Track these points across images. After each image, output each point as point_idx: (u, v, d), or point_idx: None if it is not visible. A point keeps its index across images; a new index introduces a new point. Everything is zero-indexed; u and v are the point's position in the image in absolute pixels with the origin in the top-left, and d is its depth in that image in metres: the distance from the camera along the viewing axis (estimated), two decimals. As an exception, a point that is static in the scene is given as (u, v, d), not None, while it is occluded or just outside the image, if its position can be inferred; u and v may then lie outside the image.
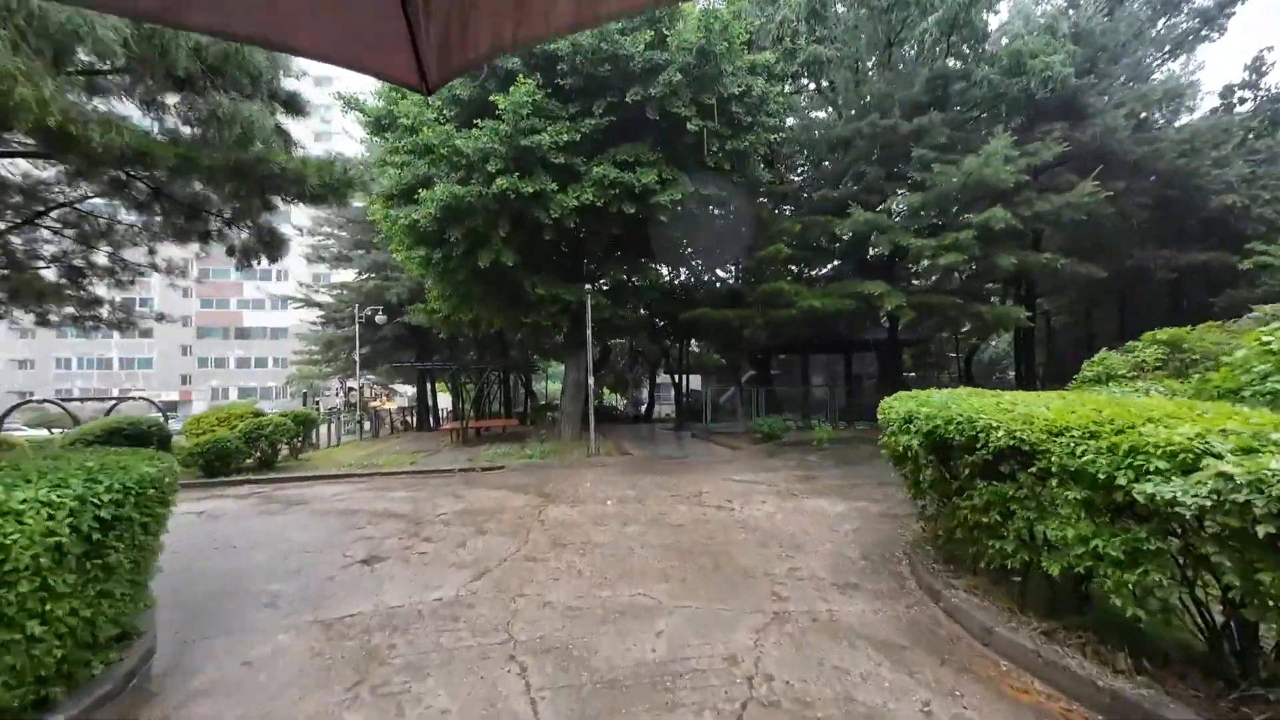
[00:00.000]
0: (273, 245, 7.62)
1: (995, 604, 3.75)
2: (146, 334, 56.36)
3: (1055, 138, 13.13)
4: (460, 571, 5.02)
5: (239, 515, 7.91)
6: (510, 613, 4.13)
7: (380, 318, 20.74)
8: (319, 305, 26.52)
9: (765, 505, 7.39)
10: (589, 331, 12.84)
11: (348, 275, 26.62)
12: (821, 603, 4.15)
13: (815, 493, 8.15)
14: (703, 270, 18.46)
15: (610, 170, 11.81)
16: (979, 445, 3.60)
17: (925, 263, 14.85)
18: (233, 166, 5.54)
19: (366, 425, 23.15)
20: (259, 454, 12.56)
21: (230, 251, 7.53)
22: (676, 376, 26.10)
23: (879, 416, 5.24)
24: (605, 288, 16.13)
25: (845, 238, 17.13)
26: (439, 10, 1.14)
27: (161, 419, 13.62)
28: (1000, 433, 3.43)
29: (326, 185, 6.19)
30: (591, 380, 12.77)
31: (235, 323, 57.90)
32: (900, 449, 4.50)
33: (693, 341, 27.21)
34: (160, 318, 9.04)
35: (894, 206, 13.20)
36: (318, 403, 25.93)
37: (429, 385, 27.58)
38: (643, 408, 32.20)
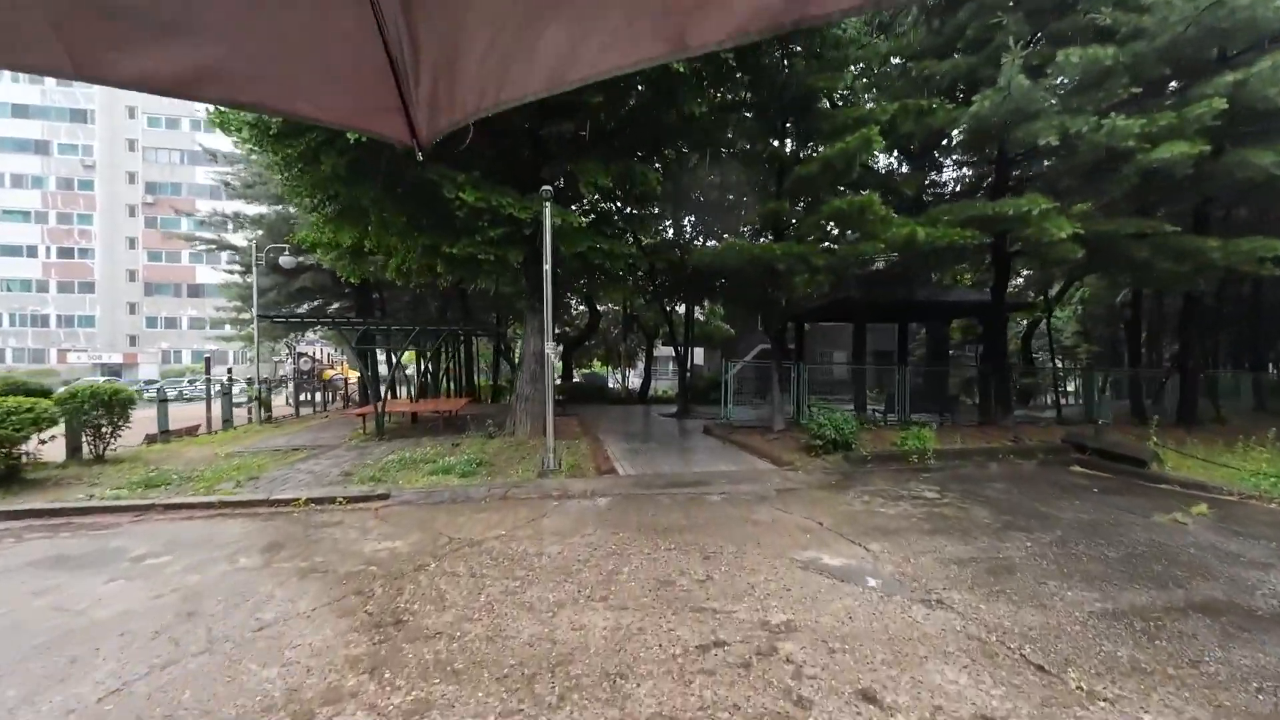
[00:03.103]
0: None
1: None
2: (88, 289, 50.65)
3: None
4: None
5: None
6: None
7: (285, 259, 15.34)
8: (233, 248, 20.99)
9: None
10: (547, 267, 7.54)
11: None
12: None
13: (1125, 681, 3.02)
14: (729, 195, 13.06)
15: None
16: None
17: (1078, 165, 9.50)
18: None
19: (288, 396, 18.06)
20: (-13, 461, 7.43)
21: None
22: (680, 348, 20.85)
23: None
24: (584, 210, 10.78)
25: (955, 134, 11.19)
26: (426, 76, 1.20)
27: None
28: None
29: None
30: (549, 348, 7.53)
31: (187, 279, 51.90)
32: None
33: (698, 305, 21.95)
34: None
35: (1067, 66, 7.74)
36: (229, 370, 20.79)
37: (374, 352, 22.25)
38: (607, 383, 27.30)
